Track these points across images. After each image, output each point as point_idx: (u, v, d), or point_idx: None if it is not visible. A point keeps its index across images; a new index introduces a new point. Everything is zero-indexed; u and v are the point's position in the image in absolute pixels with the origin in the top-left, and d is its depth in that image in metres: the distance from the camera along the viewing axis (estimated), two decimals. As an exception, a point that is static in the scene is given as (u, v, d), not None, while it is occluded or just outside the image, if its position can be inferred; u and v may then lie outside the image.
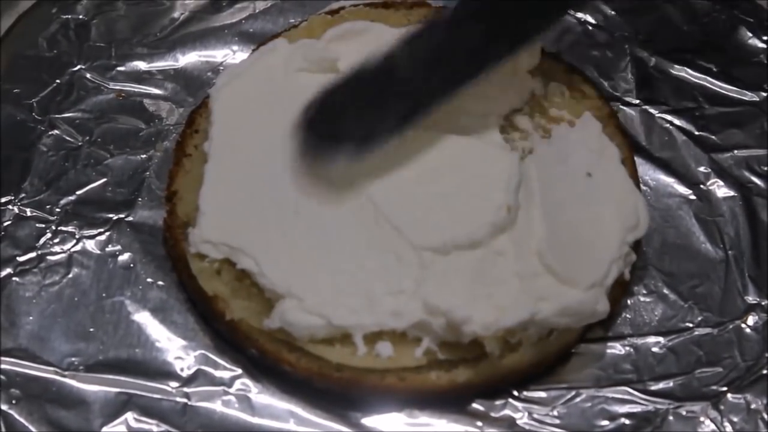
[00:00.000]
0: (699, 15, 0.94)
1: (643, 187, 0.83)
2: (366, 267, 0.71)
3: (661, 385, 0.73)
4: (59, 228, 0.79)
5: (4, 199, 0.80)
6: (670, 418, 0.71)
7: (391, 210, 0.73)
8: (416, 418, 0.71)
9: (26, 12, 0.92)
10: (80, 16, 0.93)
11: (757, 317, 0.76)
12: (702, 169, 0.85)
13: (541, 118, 0.83)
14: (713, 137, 0.87)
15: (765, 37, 0.92)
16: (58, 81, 0.88)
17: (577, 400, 0.72)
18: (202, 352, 0.74)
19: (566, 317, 0.70)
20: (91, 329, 0.74)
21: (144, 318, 0.75)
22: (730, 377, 0.73)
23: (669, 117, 0.89)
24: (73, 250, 0.78)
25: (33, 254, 0.78)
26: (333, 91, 0.73)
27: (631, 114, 0.88)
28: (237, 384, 0.72)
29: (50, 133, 0.85)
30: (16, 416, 0.70)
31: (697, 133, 0.87)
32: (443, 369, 0.70)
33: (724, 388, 0.73)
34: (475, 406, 0.72)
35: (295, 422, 0.71)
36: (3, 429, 0.69)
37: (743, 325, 0.76)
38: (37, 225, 0.79)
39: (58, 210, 0.80)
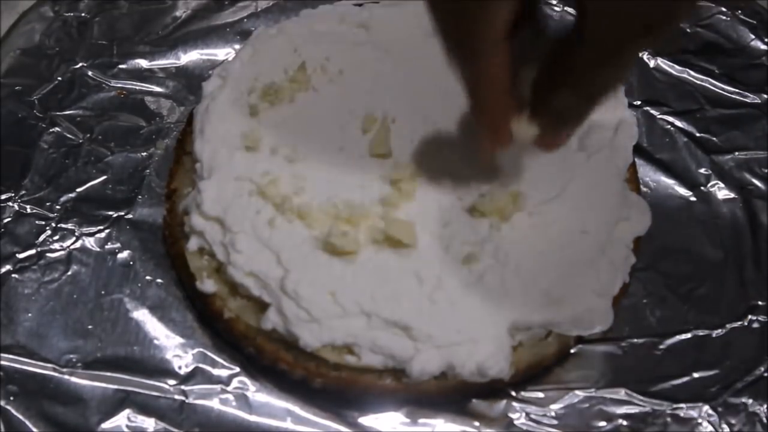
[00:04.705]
0: (701, 16, 0.94)
1: (644, 189, 0.83)
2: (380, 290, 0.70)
3: (659, 387, 0.73)
4: (59, 225, 0.79)
5: (4, 196, 0.80)
6: (668, 419, 0.71)
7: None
8: (413, 418, 0.71)
9: (28, 9, 0.92)
10: (82, 14, 0.93)
11: (756, 319, 0.76)
12: (703, 170, 0.85)
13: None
14: (714, 139, 0.87)
15: (767, 39, 0.92)
16: (59, 78, 0.88)
17: (575, 400, 0.72)
18: (200, 350, 0.74)
19: (572, 326, 0.71)
20: (90, 326, 0.75)
21: (142, 315, 0.75)
22: (728, 379, 0.73)
23: (670, 118, 0.89)
24: (72, 247, 0.78)
25: (32, 251, 0.78)
26: None
27: (632, 115, 0.88)
28: (234, 382, 0.72)
29: (51, 130, 0.85)
30: (14, 412, 0.70)
31: (698, 134, 0.87)
32: (441, 368, 0.70)
33: (723, 390, 0.73)
34: (472, 405, 0.72)
35: (293, 421, 0.71)
36: (1, 425, 0.69)
37: (742, 328, 0.76)
38: (36, 222, 0.79)
39: (58, 207, 0.80)
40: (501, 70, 0.60)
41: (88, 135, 0.85)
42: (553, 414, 0.72)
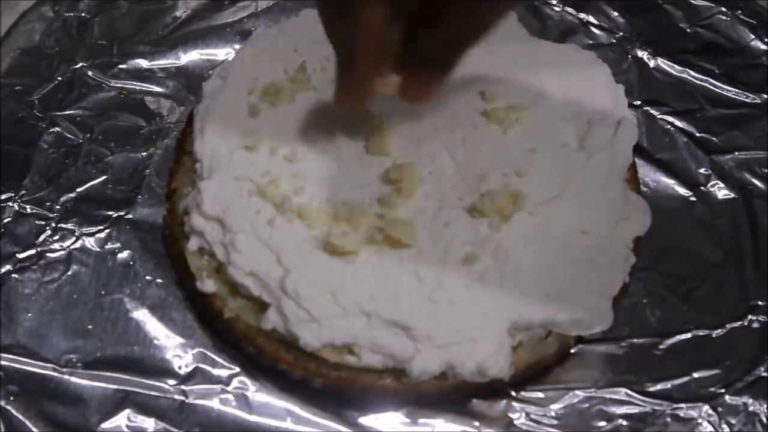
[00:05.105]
0: (701, 16, 0.94)
1: (644, 189, 0.83)
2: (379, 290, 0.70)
3: (659, 387, 0.73)
4: (59, 225, 0.79)
5: (4, 196, 0.80)
6: (668, 419, 0.71)
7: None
8: (413, 418, 0.71)
9: (28, 9, 0.92)
10: (82, 14, 0.93)
11: (756, 319, 0.76)
12: (702, 170, 0.85)
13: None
14: (714, 139, 0.87)
15: (767, 39, 0.92)
16: (59, 78, 0.88)
17: (575, 400, 0.72)
18: (200, 350, 0.74)
19: (572, 326, 0.71)
20: (90, 326, 0.75)
21: (142, 315, 0.75)
22: (728, 379, 0.73)
23: (670, 118, 0.89)
24: (72, 247, 0.78)
25: (32, 251, 0.78)
26: None
27: (632, 115, 0.88)
28: (234, 382, 0.72)
29: (51, 130, 0.85)
30: (14, 412, 0.70)
31: (698, 134, 0.87)
32: (441, 368, 0.70)
33: (723, 390, 0.73)
34: (472, 405, 0.72)
35: (293, 421, 0.71)
36: (1, 425, 0.69)
37: (742, 328, 0.76)
38: (36, 222, 0.79)
39: (58, 207, 0.80)
40: (378, 20, 0.61)
41: (88, 135, 0.85)
42: (553, 414, 0.72)
